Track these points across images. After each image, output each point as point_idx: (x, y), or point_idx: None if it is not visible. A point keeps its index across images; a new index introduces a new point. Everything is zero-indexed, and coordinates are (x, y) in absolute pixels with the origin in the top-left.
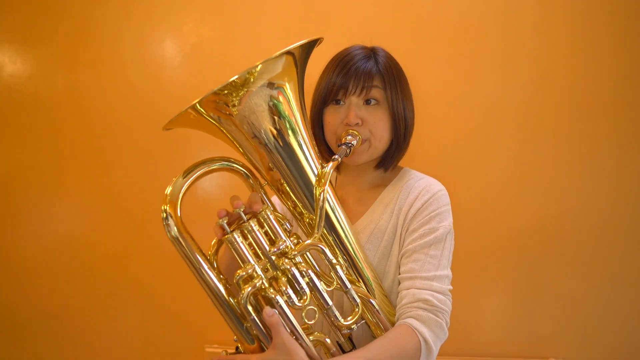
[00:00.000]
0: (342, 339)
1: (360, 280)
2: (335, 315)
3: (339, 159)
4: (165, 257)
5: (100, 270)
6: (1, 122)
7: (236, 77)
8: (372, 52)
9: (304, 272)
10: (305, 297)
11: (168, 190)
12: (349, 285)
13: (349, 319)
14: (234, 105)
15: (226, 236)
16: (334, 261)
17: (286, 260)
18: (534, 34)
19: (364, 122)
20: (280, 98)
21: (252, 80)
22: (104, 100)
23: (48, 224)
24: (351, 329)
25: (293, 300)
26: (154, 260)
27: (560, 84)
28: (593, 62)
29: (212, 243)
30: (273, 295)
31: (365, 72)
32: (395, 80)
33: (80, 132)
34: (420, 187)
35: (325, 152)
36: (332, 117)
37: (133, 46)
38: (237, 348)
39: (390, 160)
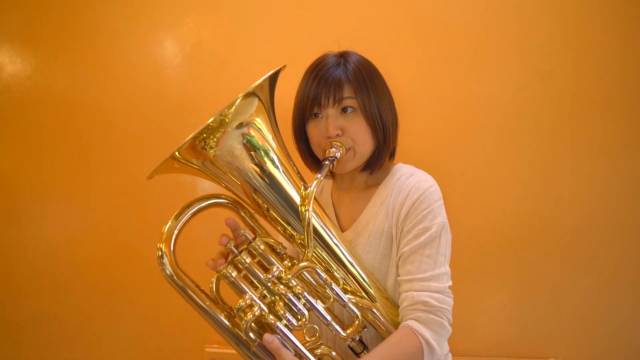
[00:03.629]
0: (353, 343)
1: (361, 290)
2: (336, 329)
3: (321, 178)
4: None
5: (100, 270)
6: (1, 122)
7: (210, 120)
8: (341, 59)
9: (299, 295)
10: (304, 318)
11: (164, 228)
12: (345, 299)
13: (348, 331)
14: (211, 148)
15: (221, 272)
16: (328, 279)
17: (281, 286)
18: (533, 32)
19: (344, 131)
20: (252, 132)
21: (224, 122)
22: (103, 101)
23: (48, 224)
24: (354, 340)
25: (292, 323)
26: (153, 260)
27: (561, 83)
28: (593, 61)
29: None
30: (273, 321)
31: (335, 82)
32: (367, 85)
33: (80, 132)
34: (411, 185)
35: (311, 164)
36: (315, 131)
37: (133, 46)
38: None
39: (374, 162)
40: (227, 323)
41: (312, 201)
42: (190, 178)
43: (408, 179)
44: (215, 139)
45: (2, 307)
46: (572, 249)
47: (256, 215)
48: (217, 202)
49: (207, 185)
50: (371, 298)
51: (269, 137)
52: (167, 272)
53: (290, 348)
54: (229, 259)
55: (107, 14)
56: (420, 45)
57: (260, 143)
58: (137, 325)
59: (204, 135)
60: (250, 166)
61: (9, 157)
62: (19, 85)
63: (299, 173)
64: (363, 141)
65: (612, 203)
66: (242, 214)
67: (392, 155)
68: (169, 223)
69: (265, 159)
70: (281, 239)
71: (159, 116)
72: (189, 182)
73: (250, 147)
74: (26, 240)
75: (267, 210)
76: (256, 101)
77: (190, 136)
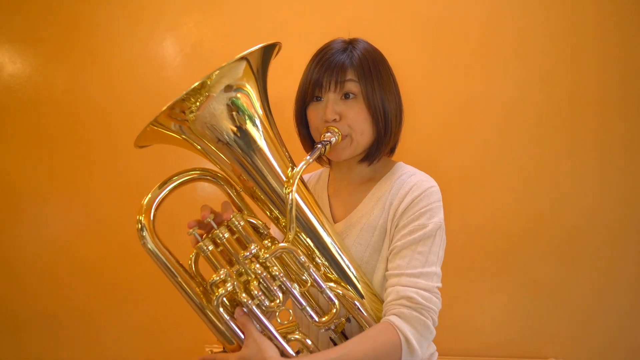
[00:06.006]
0: (335, 335)
1: (344, 281)
2: (310, 314)
3: (310, 160)
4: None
5: (99, 270)
6: (1, 122)
7: (196, 84)
8: (349, 45)
9: (275, 276)
10: (277, 300)
11: (145, 200)
12: (323, 285)
13: (324, 319)
14: (191, 112)
15: (197, 245)
16: (307, 263)
17: (257, 265)
18: (535, 31)
19: (342, 117)
20: (239, 95)
21: (208, 85)
22: (103, 101)
23: (48, 224)
24: (329, 328)
25: (264, 303)
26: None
27: (561, 83)
28: (592, 61)
29: (192, 253)
30: (245, 300)
31: (338, 66)
32: (371, 72)
33: (80, 132)
34: (412, 182)
35: (311, 150)
36: (314, 114)
37: (133, 46)
38: (224, 348)
39: (373, 154)
40: (201, 297)
41: (296, 182)
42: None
43: (410, 177)
44: (197, 103)
45: (2, 307)
46: (571, 248)
47: (245, 197)
48: (202, 175)
49: (207, 185)
50: (358, 292)
51: (257, 105)
52: (149, 246)
53: (259, 326)
54: (210, 234)
55: (107, 14)
56: (420, 44)
57: (246, 107)
58: (137, 325)
59: (187, 98)
60: (230, 127)
61: (9, 157)
62: (19, 85)
63: (289, 157)
64: (361, 129)
65: (610, 203)
66: (228, 190)
67: (392, 150)
68: (150, 194)
69: (249, 123)
70: (272, 227)
71: None
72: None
73: (235, 109)
74: (26, 241)
75: (254, 190)
76: (245, 67)
77: (178, 97)
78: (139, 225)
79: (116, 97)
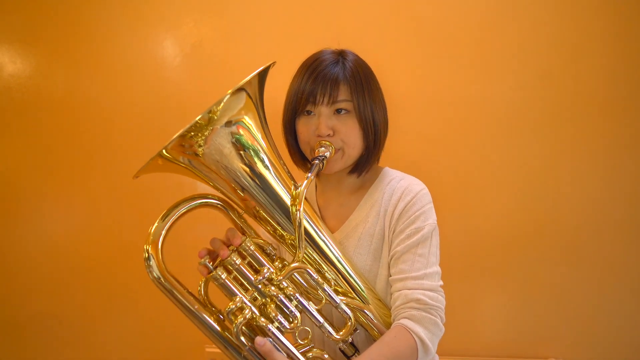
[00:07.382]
0: (344, 345)
1: (352, 291)
2: (328, 331)
3: (312, 177)
4: (164, 257)
5: (100, 270)
6: (1, 122)
7: (198, 117)
8: (340, 57)
9: (291, 296)
10: (296, 320)
11: (151, 229)
12: (338, 300)
13: (341, 333)
14: (199, 146)
15: (210, 274)
16: (320, 280)
17: (272, 288)
18: (532, 32)
19: (335, 132)
20: (241, 131)
21: (213, 120)
22: (103, 101)
23: (48, 224)
24: (345, 342)
25: (284, 325)
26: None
27: (560, 83)
28: (592, 61)
29: (202, 280)
30: (264, 324)
31: (332, 79)
32: (363, 86)
33: (81, 132)
34: (403, 187)
35: (299, 161)
36: (304, 128)
37: (133, 46)
38: None
39: (363, 165)
40: (217, 327)
41: (302, 201)
42: (191, 178)
43: (399, 182)
44: (203, 137)
45: (3, 307)
46: (571, 249)
47: (245, 216)
48: (205, 202)
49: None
50: (363, 299)
51: (259, 135)
52: (155, 274)
53: (282, 351)
54: (218, 260)
55: (107, 14)
56: (417, 45)
57: (249, 142)
58: (137, 325)
59: (192, 133)
60: (240, 166)
61: (9, 157)
62: (19, 86)
63: (289, 172)
64: (353, 143)
65: (611, 203)
66: (231, 214)
67: (378, 158)
68: (156, 224)
69: (255, 158)
70: (271, 239)
71: (159, 116)
72: (189, 182)
73: (240, 146)
74: (26, 241)
75: (257, 210)
76: (245, 97)
77: (178, 134)
78: (146, 254)
79: (116, 97)
